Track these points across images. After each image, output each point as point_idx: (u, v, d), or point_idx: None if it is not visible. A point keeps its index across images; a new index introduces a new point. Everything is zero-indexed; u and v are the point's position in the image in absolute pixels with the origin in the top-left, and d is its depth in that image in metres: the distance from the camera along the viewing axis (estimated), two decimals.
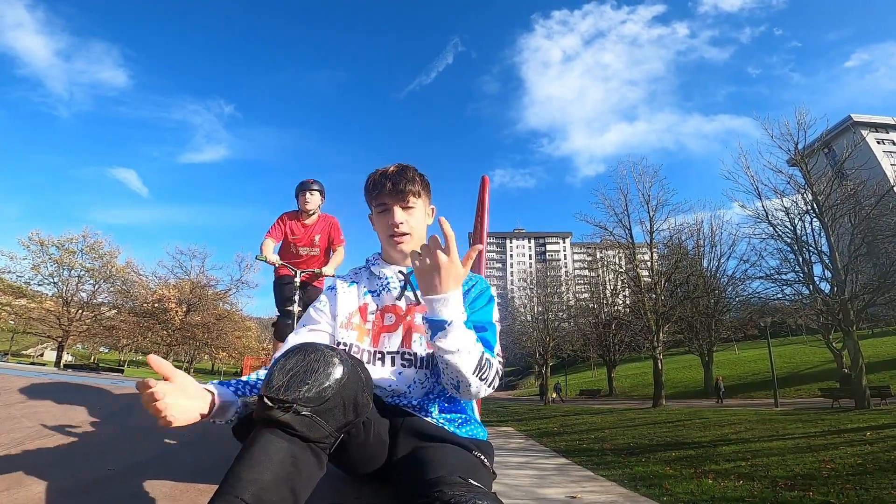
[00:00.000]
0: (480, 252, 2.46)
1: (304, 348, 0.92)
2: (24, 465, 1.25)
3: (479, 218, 2.40)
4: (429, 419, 1.23)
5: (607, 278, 32.30)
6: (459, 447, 1.13)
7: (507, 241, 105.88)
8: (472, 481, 0.91)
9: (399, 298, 1.32)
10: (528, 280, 40.14)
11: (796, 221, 17.85)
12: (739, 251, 24.33)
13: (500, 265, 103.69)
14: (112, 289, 30.58)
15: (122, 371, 33.53)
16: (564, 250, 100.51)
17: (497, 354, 1.22)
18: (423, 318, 1.11)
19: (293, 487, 0.82)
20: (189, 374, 1.34)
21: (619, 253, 26.85)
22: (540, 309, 35.57)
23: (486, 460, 1.15)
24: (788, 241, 17.94)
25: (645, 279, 24.95)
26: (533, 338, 35.22)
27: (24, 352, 52.27)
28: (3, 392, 2.18)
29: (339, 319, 1.31)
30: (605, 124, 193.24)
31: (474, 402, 1.40)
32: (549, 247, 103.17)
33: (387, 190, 1.30)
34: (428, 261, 1.06)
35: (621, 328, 30.71)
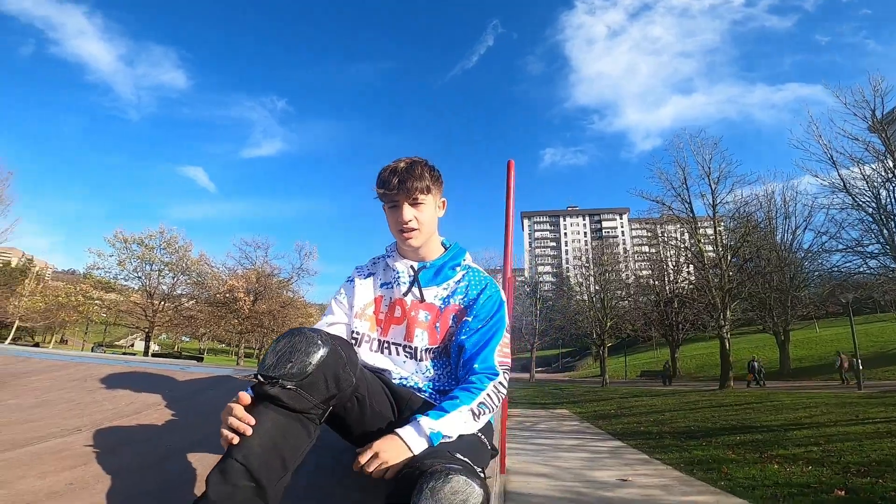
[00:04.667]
0: (508, 245, 2.51)
1: (292, 332, 1.05)
2: (98, 444, 1.48)
3: (506, 202, 2.44)
4: (432, 401, 1.33)
5: (669, 254, 30.84)
6: None
7: (561, 220, 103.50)
8: (459, 455, 1.00)
9: (406, 294, 1.41)
10: (584, 258, 39.14)
11: (879, 190, 16.30)
12: (816, 223, 22.40)
13: (554, 244, 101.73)
14: (188, 281, 33.07)
15: (201, 359, 36.27)
16: (622, 226, 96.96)
17: (500, 365, 1.30)
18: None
19: (280, 451, 0.96)
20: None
21: (679, 228, 25.55)
22: (596, 288, 34.72)
23: (483, 437, 1.24)
24: (870, 210, 16.44)
25: (709, 254, 23.66)
26: (589, 317, 34.50)
27: (116, 342, 57.77)
28: (89, 379, 2.51)
29: (354, 310, 1.43)
30: (659, 98, 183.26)
31: None
32: (605, 224, 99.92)
33: (396, 187, 1.34)
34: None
35: (684, 306, 29.40)
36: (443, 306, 1.39)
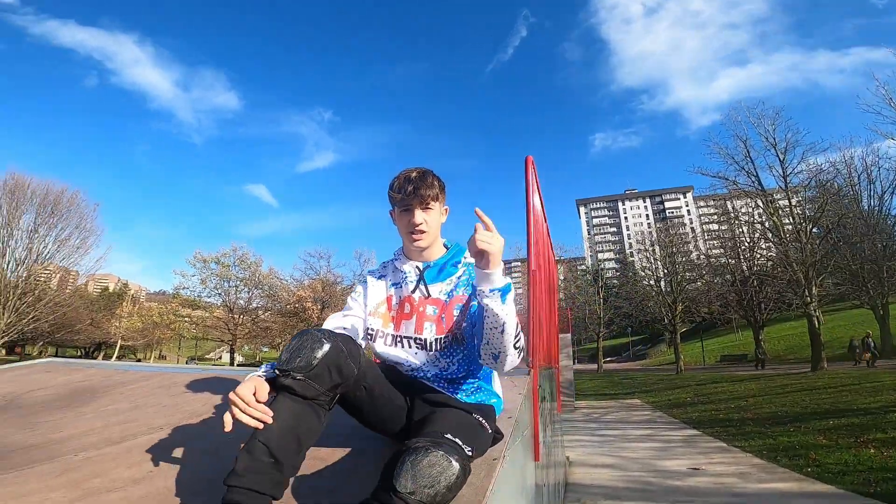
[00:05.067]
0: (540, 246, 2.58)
1: (301, 333, 1.22)
2: (174, 439, 1.72)
3: (526, 197, 2.48)
4: (440, 389, 1.47)
5: (741, 230, 28.81)
6: (461, 411, 1.34)
7: (619, 204, 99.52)
8: (450, 436, 1.11)
9: (413, 292, 1.54)
10: (648, 241, 37.46)
11: None
12: None
13: (614, 229, 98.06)
14: (262, 294, 35.21)
15: None
16: (687, 205, 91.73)
17: None
18: (490, 290, 1.25)
19: (295, 432, 1.13)
20: None
21: (749, 202, 23.85)
22: (664, 271, 33.13)
23: (484, 421, 1.35)
24: None
25: (787, 227, 21.93)
26: (658, 302, 33.00)
27: (206, 356, 62.58)
28: (173, 386, 2.84)
29: (368, 308, 1.59)
30: (711, 72, 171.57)
31: (493, 375, 1.60)
32: (667, 204, 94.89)
33: (410, 193, 1.47)
34: (480, 244, 1.21)
35: (764, 284, 27.37)
36: (447, 300, 1.51)
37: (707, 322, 43.12)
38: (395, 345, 1.52)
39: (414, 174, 1.51)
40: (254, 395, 1.13)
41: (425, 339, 1.48)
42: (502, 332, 1.28)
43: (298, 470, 1.15)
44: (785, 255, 21.13)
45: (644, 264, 36.97)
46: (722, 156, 21.97)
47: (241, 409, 1.11)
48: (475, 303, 1.45)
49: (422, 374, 1.50)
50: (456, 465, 1.00)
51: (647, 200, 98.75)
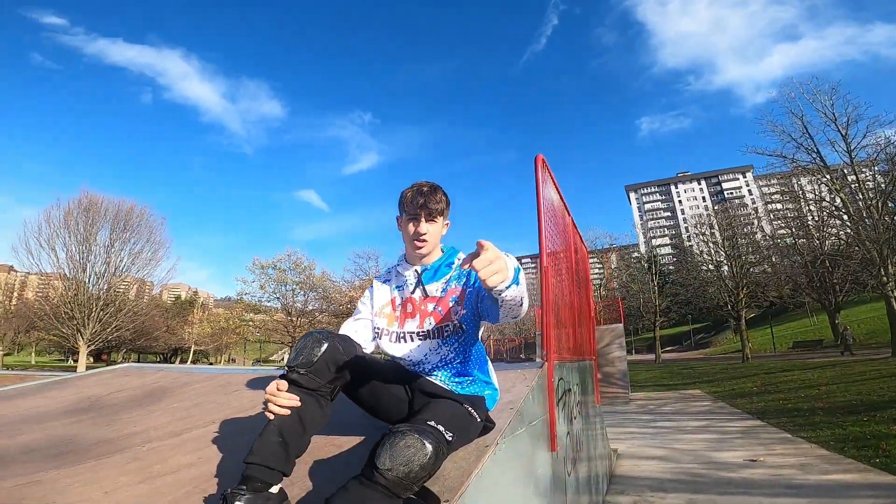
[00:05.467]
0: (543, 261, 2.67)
1: (306, 335, 1.44)
2: (223, 431, 1.98)
3: (536, 195, 2.57)
4: (437, 381, 1.64)
5: (809, 209, 26.88)
6: (452, 401, 1.49)
7: (672, 188, 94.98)
8: (432, 423, 1.26)
9: (413, 292, 1.72)
10: (704, 224, 35.64)
11: None
12: None
13: (668, 213, 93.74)
14: (316, 297, 36.65)
15: None
16: (747, 185, 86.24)
17: None
18: (507, 287, 1.23)
19: (301, 417, 1.34)
20: None
21: (813, 179, 22.34)
22: (726, 254, 31.44)
23: (473, 411, 1.49)
24: None
25: (857, 203, 20.34)
26: (720, 288, 31.38)
27: (271, 358, 65.92)
28: (228, 385, 3.16)
29: (374, 310, 1.78)
30: (761, 49, 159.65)
31: (489, 367, 1.75)
32: (725, 185, 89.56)
33: (420, 205, 1.65)
34: (483, 266, 1.15)
35: (836, 265, 25.44)
36: (443, 294, 1.68)
37: (777, 307, 40.61)
38: (399, 341, 1.69)
39: (426, 188, 1.69)
40: (278, 389, 1.36)
41: (427, 331, 1.66)
42: (520, 303, 1.36)
43: (303, 451, 1.36)
44: (856, 232, 19.59)
45: (702, 248, 35.24)
46: (777, 133, 20.83)
47: (273, 402, 1.34)
48: (469, 289, 1.62)
49: (422, 368, 1.66)
50: (429, 447, 1.15)
51: (703, 182, 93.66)
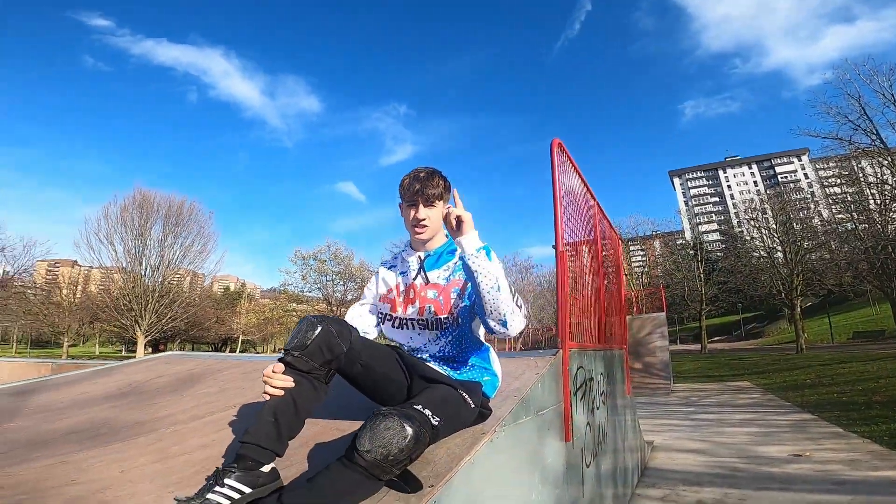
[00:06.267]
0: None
1: (302, 320, 1.47)
2: (241, 415, 2.06)
3: (552, 180, 2.51)
4: (436, 366, 1.65)
5: (870, 192, 25.06)
6: (449, 387, 1.50)
7: (720, 172, 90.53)
8: (419, 407, 1.27)
9: (415, 279, 1.73)
10: (756, 209, 33.82)
11: None
12: None
13: (716, 199, 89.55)
14: (356, 287, 37.43)
15: None
16: (803, 168, 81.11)
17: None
18: (476, 250, 1.49)
19: (294, 398, 1.36)
20: None
21: (876, 161, 20.99)
22: (780, 239, 29.77)
23: (467, 397, 1.50)
24: None
25: None
26: (772, 275, 29.78)
27: None
28: (253, 372, 3.27)
29: (378, 295, 1.81)
30: (813, 31, 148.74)
31: (490, 354, 1.73)
32: (778, 169, 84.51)
33: (416, 191, 1.67)
34: (457, 213, 1.51)
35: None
36: (445, 283, 1.68)
37: (836, 295, 38.27)
38: (401, 327, 1.72)
39: (422, 174, 1.70)
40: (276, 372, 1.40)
41: (426, 320, 1.67)
42: (499, 289, 1.47)
43: (297, 432, 1.40)
44: None
45: (753, 234, 33.48)
46: (832, 115, 19.95)
47: (268, 383, 1.38)
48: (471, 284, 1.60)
49: (420, 354, 1.68)
50: (409, 430, 1.15)
51: (754, 167, 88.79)
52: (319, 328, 1.42)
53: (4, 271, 31.94)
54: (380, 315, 1.78)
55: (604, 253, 4.39)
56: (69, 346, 45.50)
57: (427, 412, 1.26)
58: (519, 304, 1.52)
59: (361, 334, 1.72)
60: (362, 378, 1.57)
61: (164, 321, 29.25)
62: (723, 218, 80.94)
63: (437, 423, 1.27)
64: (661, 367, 14.49)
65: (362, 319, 1.79)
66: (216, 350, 51.27)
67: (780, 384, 13.38)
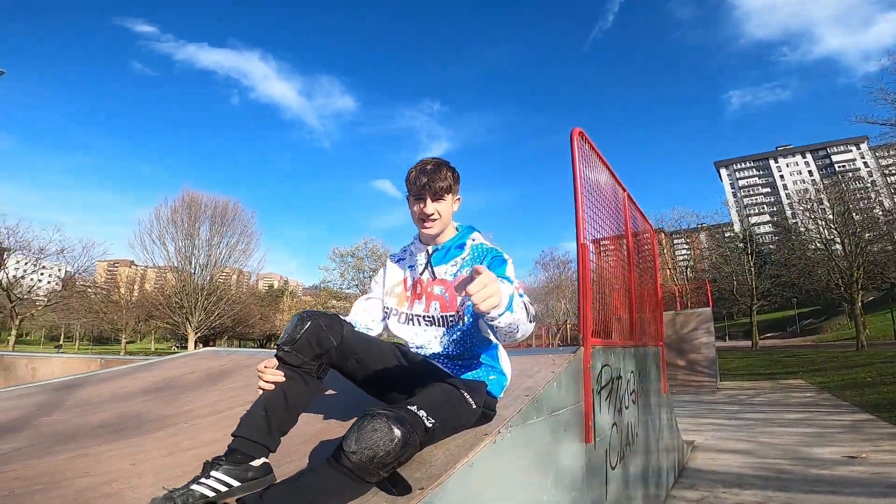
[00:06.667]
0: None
1: (295, 315, 1.45)
2: None
3: (573, 170, 2.40)
4: (440, 365, 1.60)
5: None
6: (450, 386, 1.44)
7: (771, 162, 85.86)
8: (413, 407, 1.22)
9: (422, 273, 1.68)
10: (812, 200, 31.81)
11: None
12: None
13: (767, 189, 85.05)
14: None
15: None
16: (862, 157, 75.69)
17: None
18: (499, 315, 1.19)
19: (284, 393, 1.37)
20: None
21: None
22: (838, 231, 27.94)
23: (468, 397, 1.44)
24: None
25: None
26: (830, 268, 27.99)
27: None
28: None
29: (385, 289, 1.77)
30: (865, 18, 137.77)
31: (498, 352, 1.66)
32: (835, 157, 79.19)
33: (423, 185, 1.59)
34: (477, 290, 1.11)
35: None
36: (453, 279, 1.62)
37: None
38: (407, 323, 1.67)
39: (429, 166, 1.63)
40: (270, 367, 1.40)
41: (432, 317, 1.62)
42: (516, 329, 1.31)
43: (289, 427, 1.39)
44: None
45: (809, 226, 31.56)
46: (890, 102, 18.76)
47: (261, 377, 1.38)
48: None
49: (424, 351, 1.63)
50: (397, 432, 1.11)
51: (808, 155, 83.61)
52: (309, 323, 1.41)
53: (66, 272, 34.21)
54: (385, 310, 1.74)
55: (635, 244, 4.21)
56: (127, 342, 48.18)
57: (421, 413, 1.22)
58: (531, 315, 1.37)
59: (364, 329, 1.69)
60: (359, 374, 1.54)
61: (212, 318, 30.58)
62: (775, 209, 76.71)
63: (431, 425, 1.22)
64: (706, 365, 13.95)
65: (366, 314, 1.75)
66: (261, 347, 53.14)
67: (838, 382, 12.57)
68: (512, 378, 1.72)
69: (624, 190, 3.77)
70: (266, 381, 1.37)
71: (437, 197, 1.61)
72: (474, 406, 1.44)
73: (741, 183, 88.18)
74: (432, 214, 1.62)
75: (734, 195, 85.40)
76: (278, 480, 1.31)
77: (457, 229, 1.74)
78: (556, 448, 1.77)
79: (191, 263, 30.83)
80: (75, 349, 53.57)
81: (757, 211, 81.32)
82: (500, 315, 1.20)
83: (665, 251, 35.05)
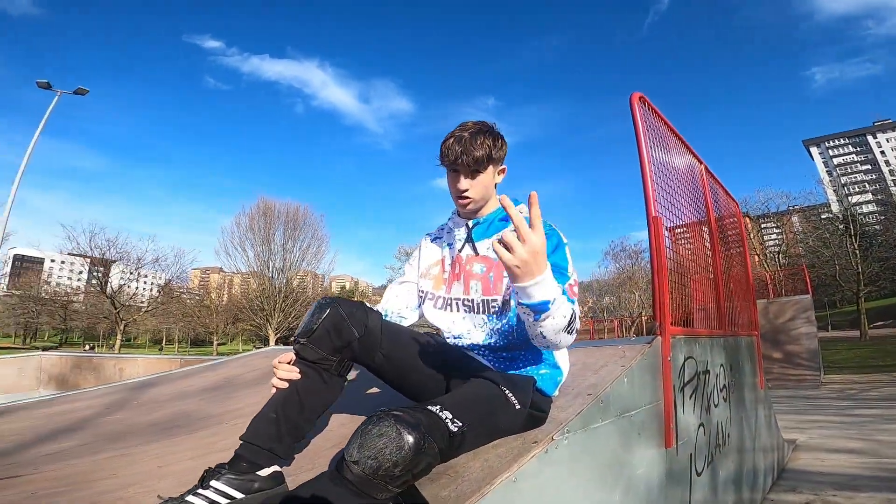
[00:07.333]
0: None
1: (314, 304, 1.28)
2: None
3: (637, 140, 2.07)
4: (480, 357, 1.37)
5: None
6: (488, 382, 1.21)
7: (870, 138, 76.82)
8: (435, 407, 1.02)
9: (462, 250, 1.45)
10: None
11: None
12: None
13: (867, 167, 76.16)
14: None
15: None
16: None
17: (573, 283, 1.26)
18: (521, 303, 1.07)
19: (298, 392, 1.20)
20: None
21: None
22: None
23: (511, 395, 1.20)
24: None
25: None
26: None
27: None
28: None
29: (420, 270, 1.56)
30: None
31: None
32: None
33: (456, 157, 1.37)
34: (506, 254, 1.00)
35: None
36: (497, 257, 1.36)
37: None
38: (444, 308, 1.46)
39: (466, 134, 1.39)
40: (287, 362, 1.25)
41: (472, 300, 1.40)
42: (543, 337, 1.13)
43: (304, 431, 1.22)
44: None
45: None
46: None
47: (275, 373, 1.24)
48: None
49: (462, 342, 1.41)
50: (409, 438, 0.89)
51: None
52: (328, 311, 1.23)
53: (166, 280, 37.56)
54: (420, 294, 1.53)
55: (719, 223, 3.72)
56: (218, 344, 52.10)
57: (445, 415, 1.00)
58: (571, 330, 1.14)
59: (396, 318, 1.49)
60: (387, 370, 1.34)
61: (289, 320, 32.18)
62: (877, 187, 68.34)
63: (457, 429, 1.00)
64: (807, 357, 12.63)
65: (398, 300, 1.56)
66: None
67: None
68: (572, 373, 1.46)
69: (700, 162, 3.31)
70: (279, 379, 1.21)
71: (474, 170, 1.39)
72: (518, 406, 1.20)
73: (836, 161, 79.75)
74: (466, 190, 1.39)
75: (829, 174, 77.23)
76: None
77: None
78: (628, 455, 1.47)
79: (268, 268, 32.65)
80: (174, 351, 58.80)
81: (857, 189, 73.01)
82: (521, 304, 1.07)
83: (752, 236, 32.25)
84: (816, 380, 11.63)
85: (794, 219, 40.70)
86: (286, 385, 1.20)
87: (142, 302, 37.23)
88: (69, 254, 32.90)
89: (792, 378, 11.96)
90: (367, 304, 1.33)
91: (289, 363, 1.24)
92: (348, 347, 1.24)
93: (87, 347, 50.35)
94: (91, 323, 43.95)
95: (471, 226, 1.47)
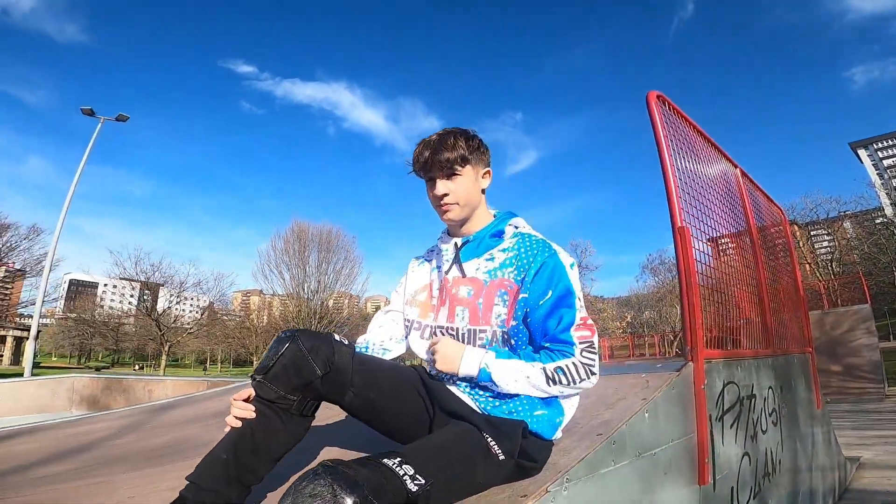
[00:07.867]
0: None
1: (275, 338, 1.15)
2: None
3: (657, 141, 1.88)
4: (463, 394, 1.21)
5: None
6: (469, 427, 1.08)
7: None
8: (393, 461, 0.87)
9: (448, 272, 1.30)
10: None
11: None
12: None
13: None
14: None
15: None
16: None
17: (579, 341, 1.14)
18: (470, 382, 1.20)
19: (254, 432, 1.07)
20: None
21: None
22: None
23: (493, 443, 1.04)
24: None
25: None
26: None
27: None
28: None
29: (405, 297, 1.41)
30: None
31: None
32: None
33: (429, 160, 1.25)
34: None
35: None
36: (487, 280, 1.23)
37: None
38: (431, 338, 1.29)
39: (433, 138, 1.27)
40: (246, 398, 1.12)
41: (457, 329, 1.23)
42: (537, 392, 1.15)
43: (259, 475, 1.09)
44: None
45: None
46: None
47: (231, 410, 1.12)
48: (524, 295, 1.19)
49: (447, 378, 1.23)
50: (347, 501, 0.74)
51: None
52: (287, 345, 1.09)
53: (209, 302, 38.88)
54: (406, 323, 1.38)
55: (761, 232, 3.41)
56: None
57: (405, 470, 0.85)
58: (561, 380, 1.11)
59: (379, 351, 1.34)
60: (359, 410, 1.19)
61: None
62: None
63: (418, 488, 0.84)
64: (868, 369, 11.89)
65: (382, 331, 1.41)
66: None
67: None
68: (583, 407, 1.27)
69: (735, 166, 3.05)
70: (234, 417, 1.09)
71: (450, 173, 1.24)
72: (502, 457, 1.03)
73: (886, 163, 75.44)
74: (445, 195, 1.24)
75: (880, 177, 72.98)
76: None
77: (494, 216, 1.35)
78: (651, 498, 1.26)
79: (304, 289, 33.22)
80: (217, 370, 60.50)
81: None
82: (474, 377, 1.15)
83: (801, 244, 30.60)
84: (880, 393, 10.84)
85: (847, 224, 38.54)
86: (239, 424, 1.08)
87: (186, 324, 38.54)
88: (121, 278, 34.55)
89: (853, 391, 11.21)
90: (337, 337, 1.18)
91: (247, 399, 1.11)
92: (310, 386, 1.10)
93: (136, 368, 52.55)
94: (140, 344, 45.87)
95: (459, 244, 1.32)
